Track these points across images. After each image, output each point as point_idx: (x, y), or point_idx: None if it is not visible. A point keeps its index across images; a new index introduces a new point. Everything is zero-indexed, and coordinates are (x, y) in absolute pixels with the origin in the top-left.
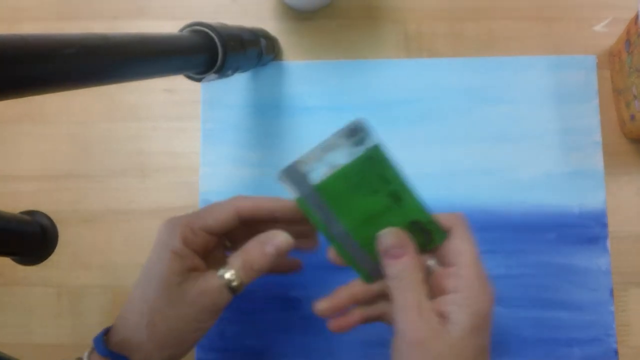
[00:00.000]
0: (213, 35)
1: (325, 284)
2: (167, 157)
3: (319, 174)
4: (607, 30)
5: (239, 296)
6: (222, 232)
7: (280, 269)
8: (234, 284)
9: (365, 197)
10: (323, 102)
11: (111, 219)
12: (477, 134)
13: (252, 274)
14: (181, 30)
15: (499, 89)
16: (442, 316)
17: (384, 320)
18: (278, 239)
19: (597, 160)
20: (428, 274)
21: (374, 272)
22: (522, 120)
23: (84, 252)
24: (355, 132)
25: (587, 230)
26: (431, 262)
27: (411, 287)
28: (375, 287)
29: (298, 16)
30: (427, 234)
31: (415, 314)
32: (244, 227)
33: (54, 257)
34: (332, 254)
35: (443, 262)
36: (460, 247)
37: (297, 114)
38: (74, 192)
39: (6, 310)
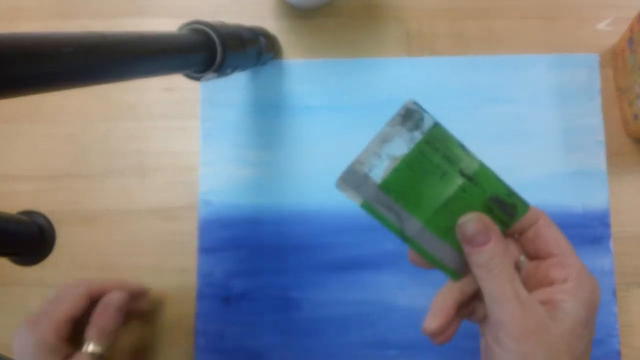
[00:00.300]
0: (212, 33)
1: (323, 286)
2: (166, 157)
3: (380, 171)
4: (609, 29)
5: (239, 298)
6: (78, 316)
7: (137, 316)
8: (99, 351)
9: (435, 184)
10: (323, 101)
11: (109, 219)
12: (479, 133)
13: (110, 336)
14: (180, 28)
15: (500, 87)
16: (551, 306)
17: (471, 318)
18: (114, 301)
19: (600, 160)
20: (518, 269)
21: (461, 266)
22: (524, 120)
23: (82, 253)
24: (410, 116)
25: (590, 231)
26: (521, 257)
27: (504, 275)
28: (472, 285)
29: (298, 14)
30: (508, 208)
31: (517, 305)
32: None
33: (51, 258)
34: (412, 255)
35: (536, 254)
36: (557, 235)
37: (297, 113)
38: (72, 192)
39: (3, 310)
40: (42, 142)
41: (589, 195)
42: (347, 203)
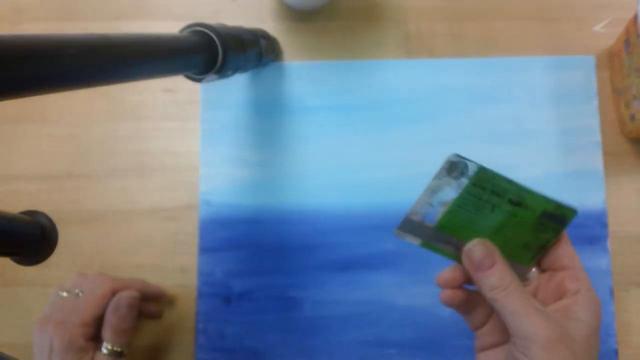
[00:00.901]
0: (213, 35)
1: (323, 285)
2: (167, 157)
3: (434, 216)
4: (606, 31)
5: (239, 297)
6: (102, 316)
7: (147, 316)
8: (117, 350)
9: (487, 215)
10: (323, 102)
11: (111, 219)
12: (477, 134)
13: (126, 334)
14: (181, 30)
15: (498, 89)
16: (567, 316)
17: (468, 320)
18: (123, 299)
19: (597, 160)
20: (528, 283)
21: (521, 275)
22: (521, 121)
23: (84, 252)
24: (454, 167)
25: (588, 230)
26: (532, 270)
27: (519, 291)
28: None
29: (297, 17)
30: (559, 218)
31: (541, 316)
32: None
33: (54, 258)
34: (444, 296)
35: (550, 266)
36: (571, 250)
37: (296, 114)
38: (74, 192)
39: (6, 310)
40: (45, 142)
41: (586, 195)
42: (347, 203)
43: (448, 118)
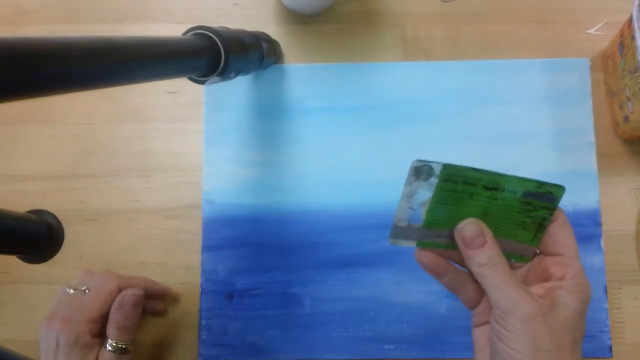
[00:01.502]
0: (216, 38)
1: (323, 282)
2: (170, 158)
3: (418, 216)
4: (600, 34)
5: (241, 294)
6: (108, 312)
7: (152, 314)
8: (122, 346)
9: (468, 203)
10: (323, 104)
11: (116, 218)
12: (474, 135)
13: (130, 331)
14: (184, 33)
15: (494, 91)
16: (549, 299)
17: (461, 297)
18: (128, 297)
19: (591, 161)
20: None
21: (524, 252)
22: (517, 122)
23: (89, 251)
24: (421, 171)
25: (582, 229)
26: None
27: (506, 269)
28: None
29: (298, 20)
30: (545, 196)
31: (522, 291)
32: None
33: (59, 256)
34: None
35: (542, 249)
36: (567, 237)
37: (297, 116)
38: (79, 192)
39: (13, 308)
40: (50, 143)
41: (580, 194)
42: (346, 203)
43: (445, 119)
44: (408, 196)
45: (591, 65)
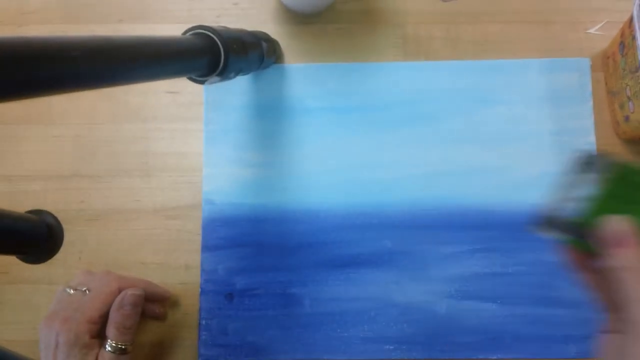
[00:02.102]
0: (215, 38)
1: (322, 282)
2: (170, 158)
3: (574, 209)
4: (601, 33)
5: (241, 294)
6: (107, 313)
7: (151, 318)
8: (121, 346)
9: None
10: (323, 103)
11: (116, 218)
12: (474, 135)
13: (129, 332)
14: (184, 33)
15: (495, 91)
16: None
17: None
18: (128, 297)
19: None
20: None
21: None
22: (518, 122)
23: (89, 251)
24: (590, 164)
25: None
26: None
27: None
28: None
29: (298, 20)
30: None
31: None
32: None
33: (59, 256)
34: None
35: None
36: None
37: (297, 116)
38: (79, 192)
39: (13, 308)
40: (51, 143)
41: None
42: (346, 202)
43: (445, 119)
44: (568, 187)
45: (591, 65)
